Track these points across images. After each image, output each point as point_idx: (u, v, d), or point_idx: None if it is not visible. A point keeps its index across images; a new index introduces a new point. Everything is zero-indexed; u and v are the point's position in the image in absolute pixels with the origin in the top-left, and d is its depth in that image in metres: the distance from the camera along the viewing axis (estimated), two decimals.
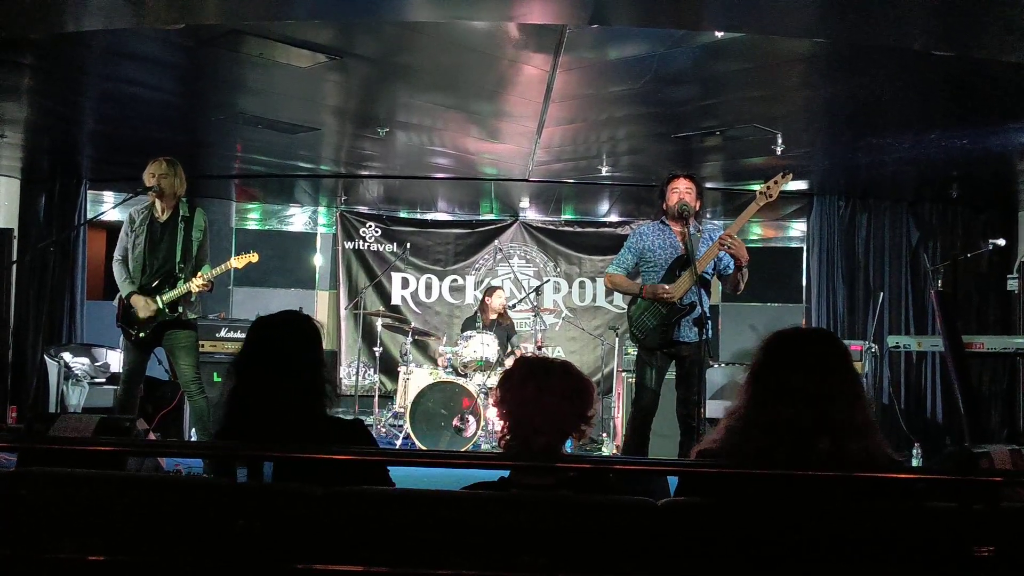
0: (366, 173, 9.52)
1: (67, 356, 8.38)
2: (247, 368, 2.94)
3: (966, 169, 8.32)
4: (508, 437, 2.57)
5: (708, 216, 9.79)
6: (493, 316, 9.26)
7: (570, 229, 11.26)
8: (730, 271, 5.64)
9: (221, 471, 2.65)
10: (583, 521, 2.06)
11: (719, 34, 5.33)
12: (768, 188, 5.36)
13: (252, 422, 2.81)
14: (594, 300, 11.18)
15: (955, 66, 5.66)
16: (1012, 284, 7.88)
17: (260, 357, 2.94)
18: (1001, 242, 8.33)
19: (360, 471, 2.53)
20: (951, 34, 5.14)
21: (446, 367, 8.67)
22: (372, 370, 10.29)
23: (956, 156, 7.82)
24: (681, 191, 5.58)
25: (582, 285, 11.19)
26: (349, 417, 4.08)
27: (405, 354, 9.13)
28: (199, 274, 5.86)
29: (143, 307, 5.81)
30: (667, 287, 5.47)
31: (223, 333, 8.33)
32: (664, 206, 5.70)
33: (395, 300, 11.02)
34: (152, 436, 6.09)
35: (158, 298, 5.81)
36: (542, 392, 2.55)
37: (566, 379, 2.62)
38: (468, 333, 8.60)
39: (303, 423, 2.85)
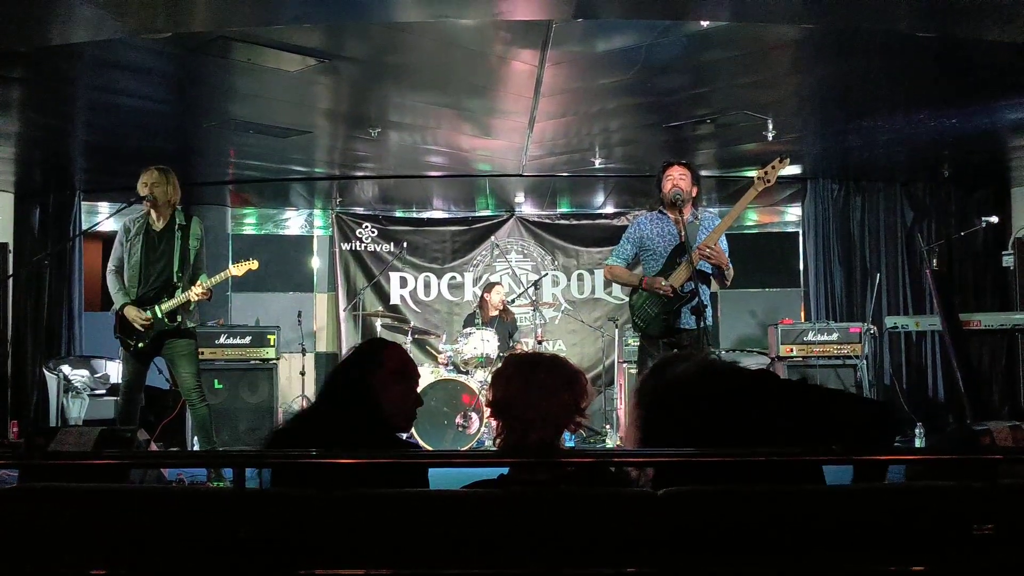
0: (360, 174, 9.52)
1: (66, 368, 8.38)
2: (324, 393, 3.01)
3: (957, 148, 8.33)
4: (503, 435, 2.56)
5: (704, 204, 9.81)
6: (493, 313, 9.24)
7: (566, 222, 11.23)
8: (715, 272, 5.69)
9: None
10: (583, 515, 2.06)
11: (705, 23, 5.34)
12: (766, 173, 5.40)
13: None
14: (593, 292, 11.16)
15: (941, 46, 5.68)
16: (1008, 260, 7.90)
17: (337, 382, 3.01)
18: (994, 219, 8.34)
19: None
20: (935, 15, 5.15)
21: (447, 365, 8.66)
22: None
23: (947, 135, 7.83)
24: (675, 178, 5.61)
25: (580, 278, 11.16)
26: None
27: None
28: (198, 283, 5.86)
29: (136, 317, 5.81)
30: (664, 282, 5.48)
31: (222, 340, 8.31)
32: (660, 195, 5.73)
33: (394, 300, 10.99)
34: (153, 446, 6.10)
35: (156, 308, 5.81)
36: (530, 388, 2.53)
37: (553, 372, 2.60)
38: (468, 330, 8.59)
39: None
